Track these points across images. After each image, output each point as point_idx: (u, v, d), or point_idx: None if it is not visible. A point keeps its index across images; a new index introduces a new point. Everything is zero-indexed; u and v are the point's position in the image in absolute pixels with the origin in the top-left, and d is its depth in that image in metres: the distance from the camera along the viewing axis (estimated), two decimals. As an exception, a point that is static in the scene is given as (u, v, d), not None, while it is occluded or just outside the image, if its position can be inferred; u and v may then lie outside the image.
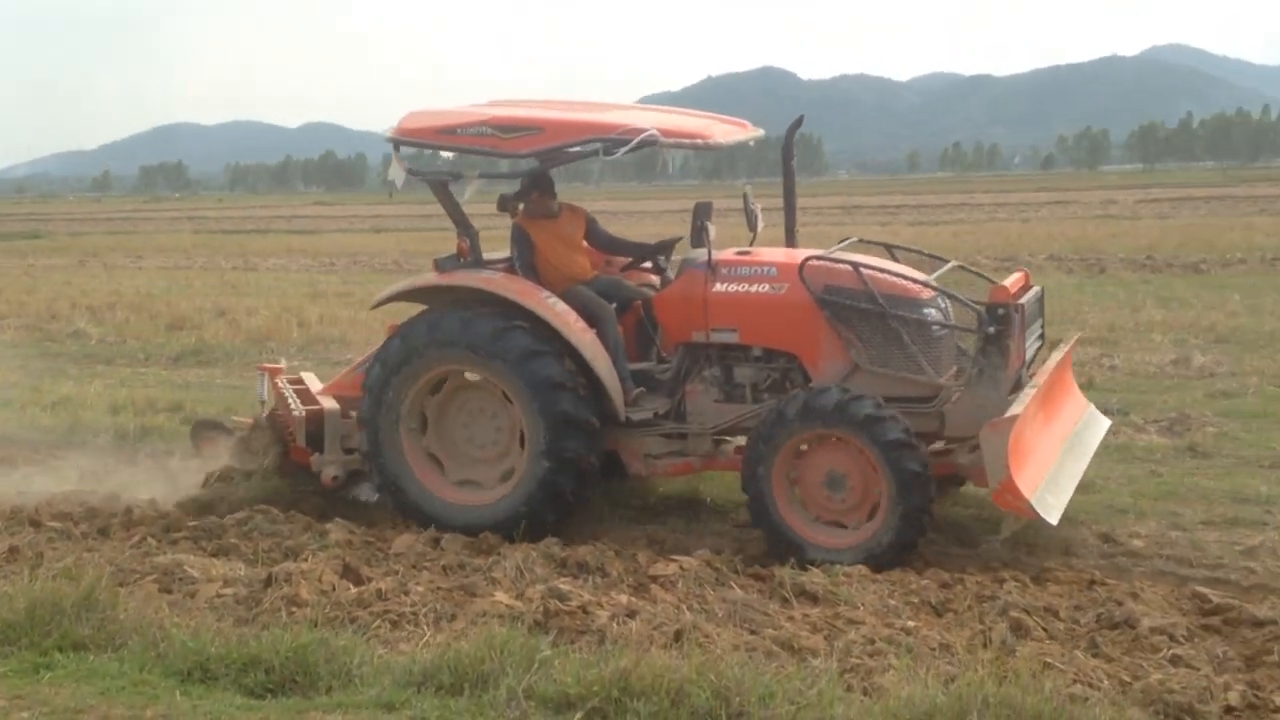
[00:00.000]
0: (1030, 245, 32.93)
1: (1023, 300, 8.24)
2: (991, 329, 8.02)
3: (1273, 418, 11.57)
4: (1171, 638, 6.25)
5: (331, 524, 8.45)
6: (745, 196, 9.10)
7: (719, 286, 8.49)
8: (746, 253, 8.77)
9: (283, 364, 10.94)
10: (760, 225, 9.01)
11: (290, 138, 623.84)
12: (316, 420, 9.22)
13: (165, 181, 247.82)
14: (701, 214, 8.66)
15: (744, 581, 7.28)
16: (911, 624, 6.43)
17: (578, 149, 8.57)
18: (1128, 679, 5.59)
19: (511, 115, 8.66)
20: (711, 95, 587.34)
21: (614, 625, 6.18)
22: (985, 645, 6.00)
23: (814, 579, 7.10)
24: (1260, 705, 5.32)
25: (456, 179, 8.93)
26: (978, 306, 8.20)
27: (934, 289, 8.48)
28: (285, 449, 9.45)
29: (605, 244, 9.47)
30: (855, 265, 8.37)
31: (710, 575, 7.26)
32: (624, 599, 6.68)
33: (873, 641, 6.02)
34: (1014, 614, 6.50)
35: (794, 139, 9.37)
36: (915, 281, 8.50)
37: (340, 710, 5.13)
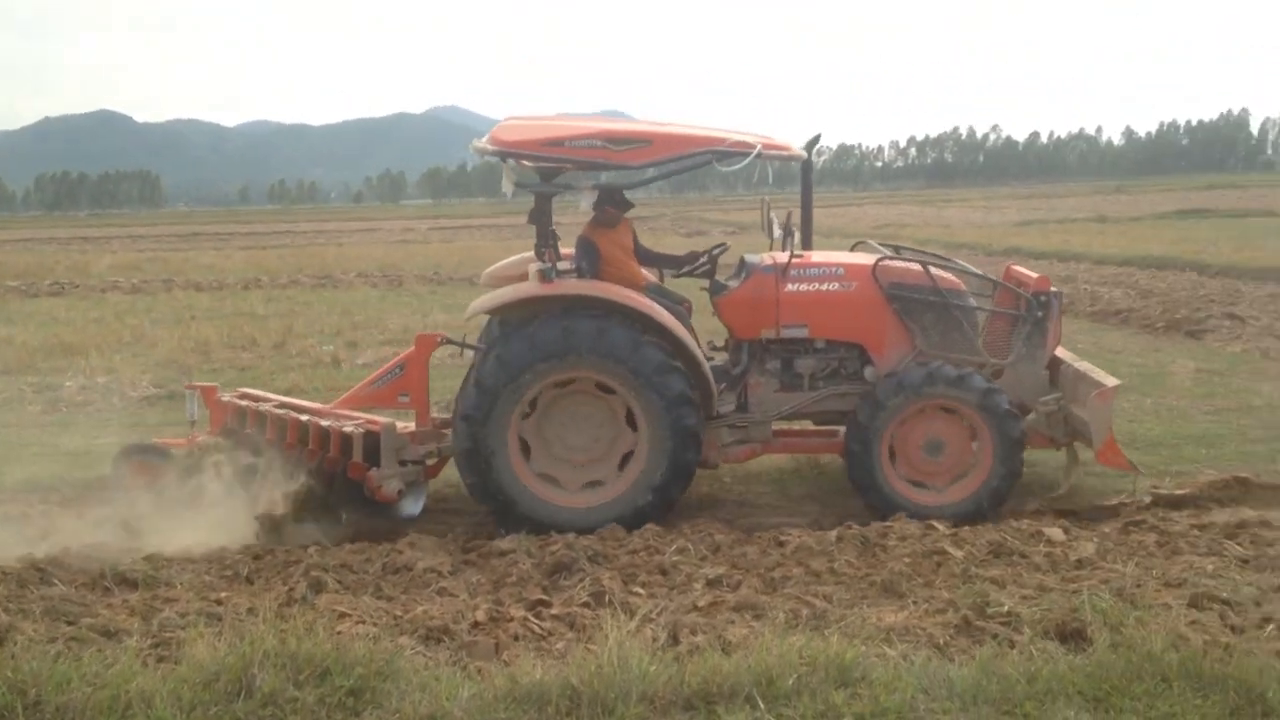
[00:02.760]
0: (344, 265, 32.91)
1: (1057, 289, 8.23)
2: (1039, 314, 8.02)
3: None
4: (439, 574, 6.47)
5: None
6: (766, 206, 8.35)
7: (790, 287, 7.98)
8: (799, 256, 8.09)
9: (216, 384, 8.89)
10: (778, 232, 8.27)
11: None
12: (374, 436, 7.63)
13: None
14: (789, 221, 8.26)
15: (68, 577, 6.49)
16: (224, 595, 6.12)
17: (687, 162, 7.66)
18: (400, 613, 5.70)
19: (621, 128, 7.66)
20: (50, 136, 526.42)
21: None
22: (288, 604, 5.87)
23: (135, 568, 6.52)
24: (500, 617, 5.64)
25: (565, 190, 7.91)
26: (1026, 294, 8.12)
27: (989, 281, 8.50)
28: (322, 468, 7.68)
29: (642, 256, 8.43)
30: (923, 264, 8.16)
31: (34, 576, 6.40)
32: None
33: (185, 615, 5.64)
34: (314, 573, 6.39)
35: (812, 155, 8.48)
36: (962, 275, 8.38)
37: None
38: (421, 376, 8.07)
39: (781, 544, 6.89)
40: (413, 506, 8.04)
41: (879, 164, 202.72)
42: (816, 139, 8.60)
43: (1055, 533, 6.89)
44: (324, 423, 7.89)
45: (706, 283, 8.44)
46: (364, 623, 5.49)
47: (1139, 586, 5.76)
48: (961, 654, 4.88)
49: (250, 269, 32.68)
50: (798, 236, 8.30)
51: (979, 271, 8.85)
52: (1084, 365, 8.21)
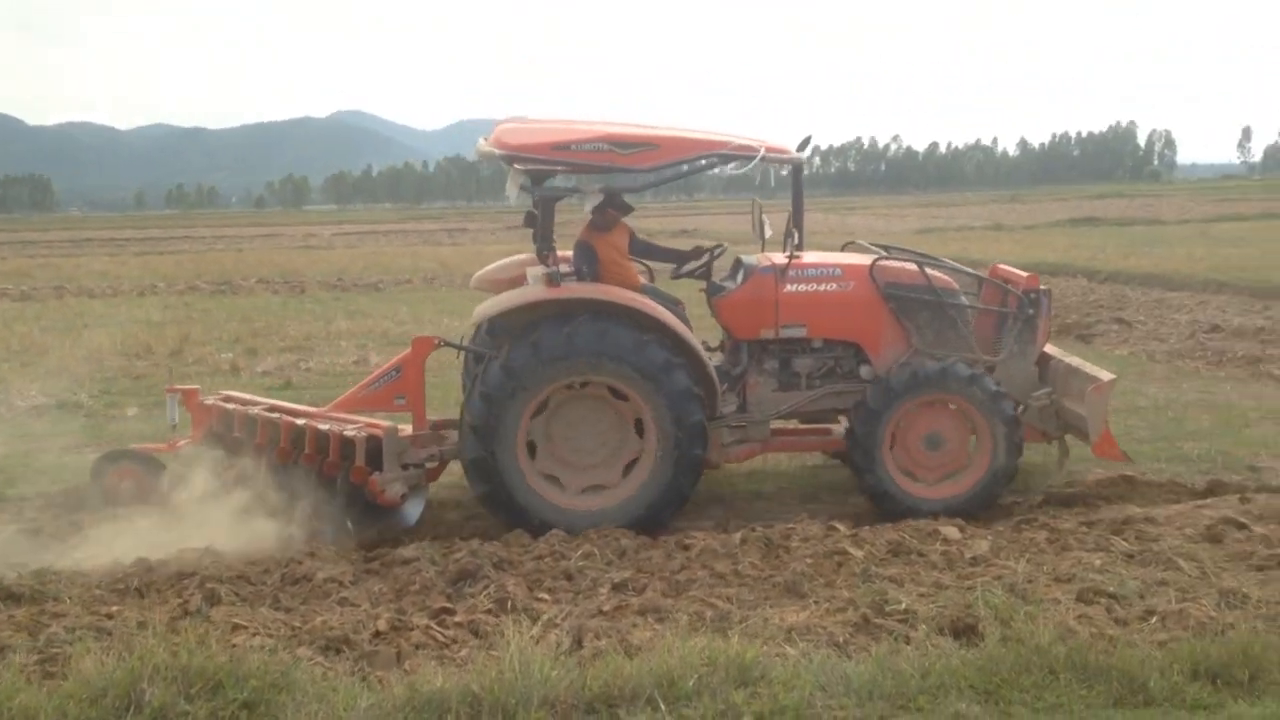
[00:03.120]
0: (244, 271, 32.23)
1: (1046, 287, 8.41)
2: (1030, 311, 8.17)
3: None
4: (340, 584, 6.34)
5: None
6: (758, 208, 8.35)
7: (789, 287, 8.05)
8: (796, 257, 8.14)
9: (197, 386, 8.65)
10: (768, 233, 8.30)
11: None
12: (375, 440, 7.56)
13: None
14: (790, 223, 8.24)
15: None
16: (114, 609, 5.91)
17: (693, 165, 7.89)
18: (299, 624, 5.59)
19: (627, 132, 7.66)
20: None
21: None
22: (181, 617, 5.71)
23: (22, 583, 6.27)
24: (403, 626, 5.56)
25: (571, 194, 8.12)
26: (1017, 292, 8.27)
27: (980, 279, 8.59)
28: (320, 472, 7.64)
29: (643, 252, 8.53)
30: (919, 264, 8.27)
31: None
32: None
33: (74, 630, 5.44)
34: (209, 585, 6.21)
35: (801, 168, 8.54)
36: (954, 274, 8.49)
37: None
38: (418, 379, 7.96)
39: (686, 547, 6.92)
40: (414, 510, 7.93)
41: (784, 172, 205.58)
42: (807, 141, 8.60)
43: (952, 531, 7.05)
44: (323, 426, 7.72)
45: (703, 284, 8.49)
46: (260, 634, 5.38)
47: (1030, 582, 5.92)
48: (860, 651, 4.97)
49: (146, 275, 31.82)
50: (797, 237, 8.30)
51: (971, 270, 9.03)
52: (1075, 360, 8.47)
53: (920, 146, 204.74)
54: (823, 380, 8.23)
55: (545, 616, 5.57)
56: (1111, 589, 5.75)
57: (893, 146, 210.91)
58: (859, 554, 6.58)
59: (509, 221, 73.30)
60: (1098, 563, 6.26)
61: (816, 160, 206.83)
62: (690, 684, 4.21)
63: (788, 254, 8.12)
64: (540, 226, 7.79)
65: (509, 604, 5.84)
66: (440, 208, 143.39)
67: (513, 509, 7.49)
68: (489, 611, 5.80)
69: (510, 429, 7.41)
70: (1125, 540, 6.77)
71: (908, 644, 4.99)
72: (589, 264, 7.92)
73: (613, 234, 8.15)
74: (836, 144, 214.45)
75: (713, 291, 8.30)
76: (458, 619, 5.73)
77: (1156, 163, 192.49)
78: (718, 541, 6.91)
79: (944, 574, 6.28)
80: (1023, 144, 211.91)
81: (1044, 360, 8.52)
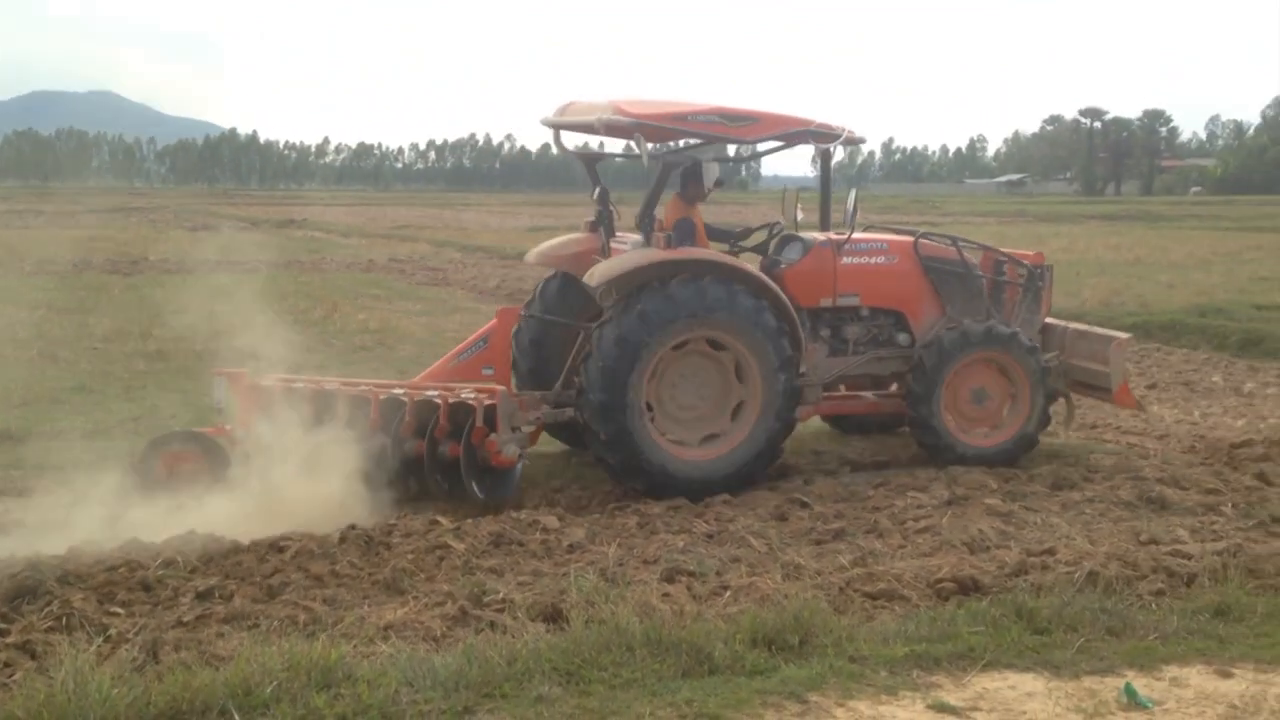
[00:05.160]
0: None
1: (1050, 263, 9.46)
2: (1039, 284, 9.11)
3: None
4: None
5: None
6: (792, 195, 8.94)
7: (846, 260, 8.77)
8: (842, 234, 8.87)
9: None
10: (800, 217, 8.97)
11: None
12: (494, 405, 7.69)
13: None
14: (852, 201, 8.91)
15: None
16: None
17: (788, 138, 8.56)
18: None
19: (731, 107, 8.26)
20: None
21: None
22: None
23: None
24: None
25: (688, 161, 8.71)
26: (1028, 266, 9.25)
27: (999, 254, 9.50)
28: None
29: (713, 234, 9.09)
30: (954, 241, 9.23)
31: None
32: None
33: None
34: None
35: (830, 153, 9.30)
36: (980, 249, 9.45)
37: None
38: (505, 350, 8.42)
39: (281, 549, 6.62)
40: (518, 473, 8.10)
41: (399, 165, 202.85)
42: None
43: (551, 521, 7.24)
44: (430, 394, 7.91)
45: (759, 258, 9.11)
46: None
47: (621, 565, 6.23)
48: (456, 644, 4.98)
49: None
50: (858, 215, 9.07)
51: (990, 246, 9.84)
52: (1081, 325, 9.62)
53: (534, 146, 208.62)
54: (868, 347, 9.00)
55: (114, 631, 5.14)
56: (692, 568, 6.16)
57: (506, 145, 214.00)
58: (460, 547, 6.60)
59: (91, 204, 66.84)
60: (681, 544, 6.67)
61: (431, 155, 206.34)
62: (269, 691, 4.03)
63: (849, 230, 8.90)
64: (649, 193, 8.38)
65: (74, 620, 5.33)
66: (9, 187, 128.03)
67: (644, 472, 7.87)
68: (50, 630, 5.27)
69: (634, 392, 7.81)
70: (705, 522, 7.28)
71: (504, 633, 5.06)
72: (693, 235, 8.50)
73: (697, 207, 8.77)
74: (451, 139, 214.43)
75: (770, 265, 8.90)
76: (11, 640, 5.18)
77: (744, 174, 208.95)
78: (315, 542, 6.67)
79: (543, 562, 6.45)
80: (628, 150, 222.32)
81: (1047, 329, 9.50)
